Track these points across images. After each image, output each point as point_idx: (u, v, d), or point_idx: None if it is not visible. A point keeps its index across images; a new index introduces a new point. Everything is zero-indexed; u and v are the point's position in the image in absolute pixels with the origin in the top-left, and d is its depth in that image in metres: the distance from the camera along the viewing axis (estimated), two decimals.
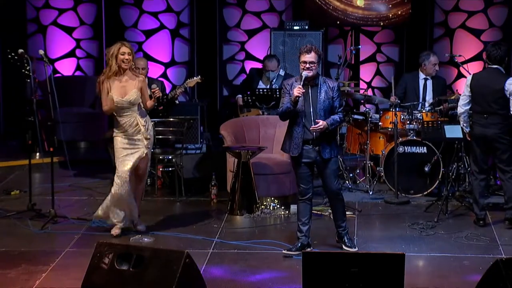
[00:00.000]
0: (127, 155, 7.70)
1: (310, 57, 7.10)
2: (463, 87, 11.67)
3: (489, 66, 8.11)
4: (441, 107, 9.56)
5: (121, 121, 7.67)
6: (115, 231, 7.79)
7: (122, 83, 7.65)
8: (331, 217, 8.40)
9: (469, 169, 9.33)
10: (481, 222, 8.18)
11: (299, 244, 7.32)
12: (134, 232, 7.84)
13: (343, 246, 7.41)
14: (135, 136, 7.69)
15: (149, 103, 7.78)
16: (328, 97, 7.19)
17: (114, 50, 7.62)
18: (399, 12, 11.65)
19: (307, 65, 7.10)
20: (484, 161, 8.19)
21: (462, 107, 8.19)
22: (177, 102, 8.18)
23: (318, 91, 7.17)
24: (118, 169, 7.72)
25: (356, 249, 7.37)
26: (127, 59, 7.60)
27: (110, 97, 7.61)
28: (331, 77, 11.22)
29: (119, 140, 7.71)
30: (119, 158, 7.72)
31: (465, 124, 8.22)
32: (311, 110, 7.15)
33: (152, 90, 7.74)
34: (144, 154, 7.72)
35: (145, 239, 7.69)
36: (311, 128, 7.09)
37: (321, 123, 7.07)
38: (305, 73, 7.08)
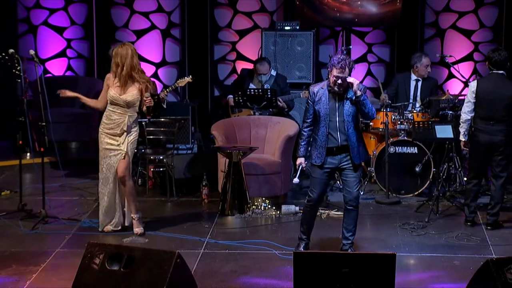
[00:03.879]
0: (110, 157, 7.75)
1: (344, 73, 6.89)
2: (454, 88, 11.77)
3: (493, 71, 8.02)
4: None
5: (112, 116, 7.70)
6: (108, 228, 7.84)
7: (125, 84, 7.69)
8: (322, 217, 8.45)
9: (459, 169, 9.36)
10: (469, 223, 8.21)
11: (304, 245, 7.32)
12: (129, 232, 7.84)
13: None
14: (117, 137, 7.72)
15: (144, 108, 7.84)
16: (353, 102, 7.01)
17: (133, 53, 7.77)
18: (390, 12, 11.65)
19: (340, 81, 6.92)
20: (484, 167, 8.19)
21: (468, 114, 8.05)
22: (164, 106, 8.17)
23: (345, 99, 7.01)
24: (102, 170, 7.78)
25: None
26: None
27: (109, 93, 7.70)
28: (322, 78, 11.24)
29: (103, 138, 7.75)
30: (103, 159, 7.78)
31: (466, 133, 8.14)
32: (337, 118, 7.02)
33: (144, 99, 7.74)
34: (123, 157, 7.71)
35: (139, 240, 7.68)
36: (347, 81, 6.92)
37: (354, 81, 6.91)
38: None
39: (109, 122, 7.73)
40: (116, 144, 7.74)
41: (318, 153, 7.10)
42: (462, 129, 8.14)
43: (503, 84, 7.96)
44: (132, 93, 7.69)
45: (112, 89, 7.70)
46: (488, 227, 8.10)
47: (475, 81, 8.12)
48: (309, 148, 7.21)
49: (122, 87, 7.67)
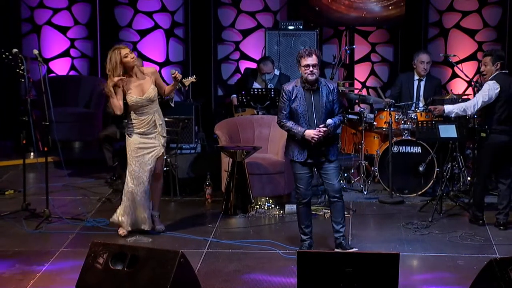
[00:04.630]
0: (144, 155, 7.70)
1: (312, 60, 7.03)
2: (457, 87, 11.75)
3: (501, 72, 7.93)
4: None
5: (140, 119, 7.65)
6: (122, 231, 7.79)
7: (137, 83, 7.65)
8: (325, 217, 8.45)
9: (463, 168, 9.35)
10: (480, 221, 8.12)
11: (307, 246, 7.32)
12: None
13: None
14: (150, 135, 7.69)
15: (168, 88, 7.83)
16: (329, 100, 7.15)
17: (116, 57, 7.55)
18: (394, 12, 11.65)
19: (311, 69, 7.04)
20: (493, 168, 8.10)
21: (474, 111, 7.99)
22: (172, 104, 8.20)
23: (320, 94, 7.13)
24: (133, 169, 7.69)
25: (356, 248, 7.35)
26: (132, 58, 7.62)
27: (130, 100, 7.60)
28: (325, 77, 11.23)
29: (134, 139, 7.68)
30: (135, 157, 7.69)
31: (454, 115, 8.11)
32: (314, 114, 7.11)
33: (172, 76, 7.73)
34: (161, 153, 7.75)
35: (143, 239, 7.68)
36: (316, 134, 7.03)
37: (324, 130, 7.05)
38: (310, 78, 7.06)
39: (138, 124, 7.66)
40: (153, 143, 7.70)
41: (299, 150, 7.16)
42: (457, 111, 8.01)
43: None
44: (151, 87, 7.67)
45: (130, 95, 7.60)
46: (501, 227, 8.04)
47: (494, 81, 7.91)
48: (288, 146, 7.25)
49: (139, 85, 7.62)
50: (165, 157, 7.98)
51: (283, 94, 7.17)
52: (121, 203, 7.82)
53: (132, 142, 7.70)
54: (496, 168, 8.14)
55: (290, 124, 7.17)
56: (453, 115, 8.18)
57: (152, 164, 7.73)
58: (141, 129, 7.68)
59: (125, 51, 7.59)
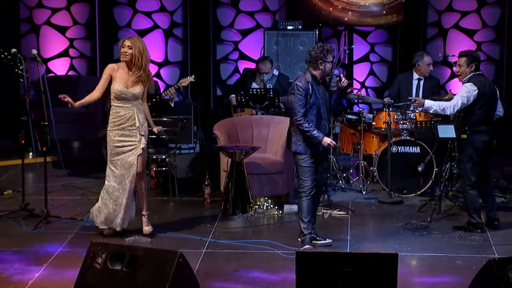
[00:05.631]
0: (126, 156, 7.63)
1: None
2: (456, 87, 11.75)
3: (476, 73, 7.90)
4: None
5: (120, 112, 7.60)
6: (108, 230, 7.77)
7: (128, 76, 7.61)
8: (324, 217, 8.46)
9: None
10: (479, 230, 7.95)
11: (308, 240, 7.38)
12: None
13: (314, 241, 7.52)
14: (129, 132, 7.61)
15: (146, 108, 7.80)
16: (328, 93, 7.45)
17: (120, 42, 7.68)
18: (393, 13, 11.66)
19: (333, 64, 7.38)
20: (480, 169, 8.05)
21: (453, 112, 7.97)
22: (172, 104, 8.18)
23: (325, 88, 7.41)
24: (114, 169, 7.66)
25: (330, 240, 7.55)
26: (124, 52, 7.58)
27: (114, 87, 7.57)
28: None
29: (114, 135, 7.62)
30: (117, 159, 7.64)
31: (431, 110, 8.17)
32: (324, 108, 7.34)
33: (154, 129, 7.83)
34: (141, 151, 7.67)
35: (142, 239, 7.67)
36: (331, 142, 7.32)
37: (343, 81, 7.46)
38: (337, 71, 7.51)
39: (117, 119, 7.61)
40: (132, 141, 7.62)
41: (315, 144, 7.27)
42: (436, 108, 8.03)
43: (490, 84, 7.96)
44: (137, 86, 7.61)
45: (116, 82, 7.58)
46: (496, 222, 8.07)
47: (471, 84, 7.85)
48: (301, 140, 7.30)
49: (130, 80, 7.58)
50: (147, 156, 7.89)
51: (300, 90, 7.20)
52: (99, 199, 7.78)
53: (112, 140, 7.63)
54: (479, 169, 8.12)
55: (310, 127, 7.20)
56: (431, 111, 8.29)
57: (135, 163, 7.63)
58: (120, 125, 7.59)
59: (125, 42, 7.59)
